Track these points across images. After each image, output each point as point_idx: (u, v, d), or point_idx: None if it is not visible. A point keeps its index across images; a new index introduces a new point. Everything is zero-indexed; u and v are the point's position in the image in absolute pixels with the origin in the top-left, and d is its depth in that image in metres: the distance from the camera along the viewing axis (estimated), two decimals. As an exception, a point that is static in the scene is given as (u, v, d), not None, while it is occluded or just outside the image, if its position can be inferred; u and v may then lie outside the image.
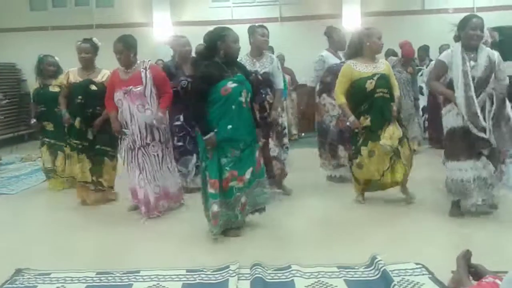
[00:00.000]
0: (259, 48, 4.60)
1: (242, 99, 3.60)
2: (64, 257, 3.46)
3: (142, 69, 4.26)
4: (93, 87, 4.75)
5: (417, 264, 2.99)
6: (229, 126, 3.53)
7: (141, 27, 9.49)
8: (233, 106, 3.56)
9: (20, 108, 9.79)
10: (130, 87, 4.22)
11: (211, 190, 3.56)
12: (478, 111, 3.63)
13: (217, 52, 3.62)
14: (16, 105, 9.63)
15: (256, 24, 4.69)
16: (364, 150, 4.27)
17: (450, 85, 3.82)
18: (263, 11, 9.81)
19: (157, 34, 9.18)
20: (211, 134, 3.50)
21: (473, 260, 2.64)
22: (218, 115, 3.55)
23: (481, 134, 3.67)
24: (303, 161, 6.13)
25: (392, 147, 4.16)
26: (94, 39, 4.82)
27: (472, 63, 3.70)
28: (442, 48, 7.13)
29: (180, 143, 4.99)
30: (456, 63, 3.72)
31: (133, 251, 3.57)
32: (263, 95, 4.50)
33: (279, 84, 4.66)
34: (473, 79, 3.67)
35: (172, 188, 4.50)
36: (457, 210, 3.98)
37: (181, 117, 4.98)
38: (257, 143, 3.80)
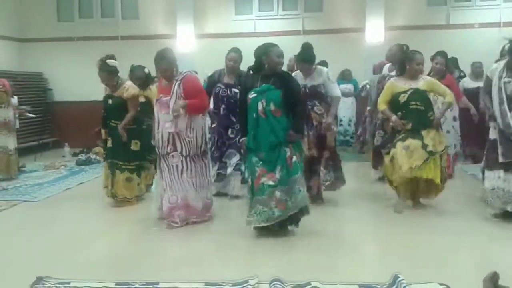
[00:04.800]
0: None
1: (260, 107, 3.85)
2: (84, 266, 3.48)
3: (175, 80, 4.29)
4: (110, 101, 5.02)
5: (441, 284, 2.91)
6: (252, 132, 3.89)
7: (165, 39, 9.58)
8: (254, 115, 3.89)
9: (45, 116, 9.98)
10: (161, 95, 4.34)
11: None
12: (511, 122, 4.05)
13: (263, 65, 3.90)
14: (41, 113, 9.80)
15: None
16: (399, 145, 4.53)
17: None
18: (286, 24, 9.81)
19: (180, 46, 9.27)
20: (243, 138, 4.01)
21: (501, 282, 2.56)
22: (248, 121, 3.96)
23: None
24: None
25: (434, 152, 4.46)
26: (109, 61, 4.85)
27: (508, 79, 4.13)
28: (474, 65, 7.19)
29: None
30: (494, 79, 4.20)
31: (153, 261, 3.57)
32: (310, 106, 4.78)
33: (333, 92, 4.89)
34: (506, 94, 4.11)
35: (193, 202, 4.40)
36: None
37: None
38: (288, 142, 3.87)
